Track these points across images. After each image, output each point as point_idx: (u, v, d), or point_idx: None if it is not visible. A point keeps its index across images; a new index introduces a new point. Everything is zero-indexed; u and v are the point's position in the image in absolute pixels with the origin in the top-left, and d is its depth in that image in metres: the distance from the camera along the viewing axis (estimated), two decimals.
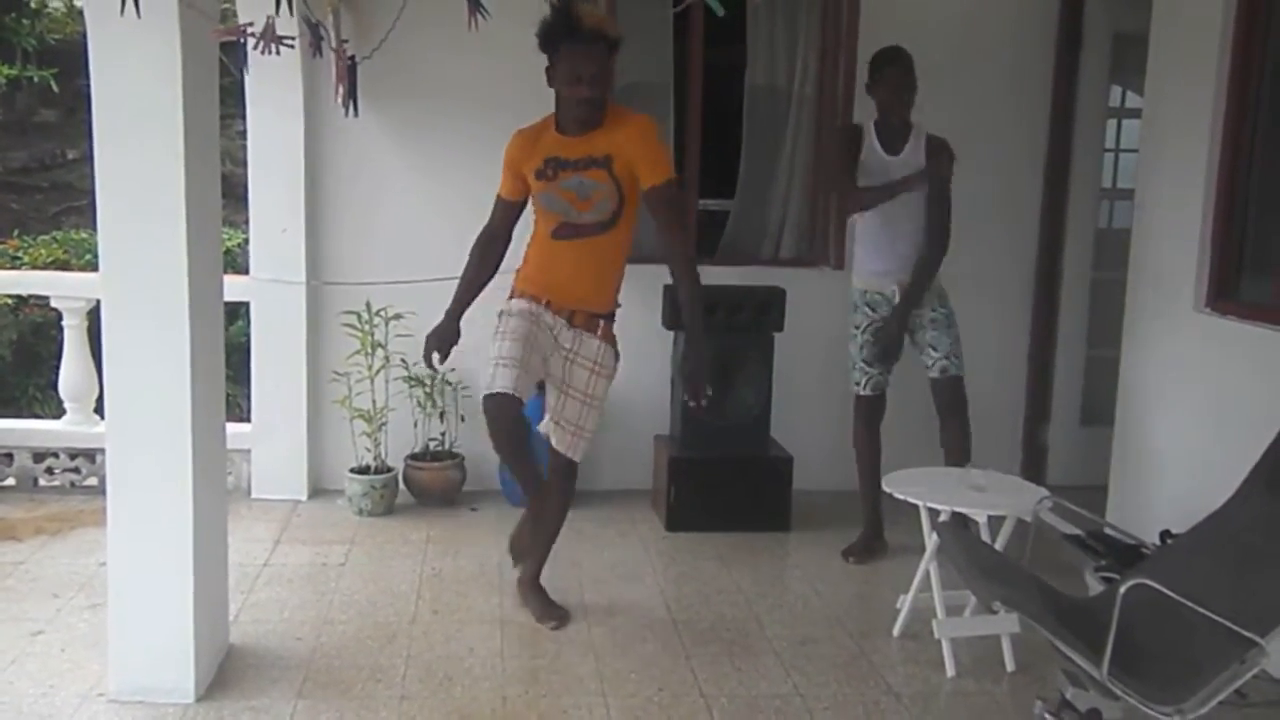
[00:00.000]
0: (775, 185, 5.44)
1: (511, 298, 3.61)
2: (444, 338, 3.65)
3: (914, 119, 4.26)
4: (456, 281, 3.72)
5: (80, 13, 2.92)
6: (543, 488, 3.65)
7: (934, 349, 4.27)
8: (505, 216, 3.66)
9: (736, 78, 5.40)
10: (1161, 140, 4.29)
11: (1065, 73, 5.23)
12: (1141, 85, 4.55)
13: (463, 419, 5.10)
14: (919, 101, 4.25)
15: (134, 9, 2.51)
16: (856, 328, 4.39)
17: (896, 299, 4.26)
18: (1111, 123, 5.49)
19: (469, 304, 3.68)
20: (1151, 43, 4.34)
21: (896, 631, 3.74)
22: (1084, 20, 5.19)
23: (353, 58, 4.43)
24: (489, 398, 3.44)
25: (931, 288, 4.26)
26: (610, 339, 3.66)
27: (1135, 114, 5.19)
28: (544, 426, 3.66)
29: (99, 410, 4.95)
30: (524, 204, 3.64)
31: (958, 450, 4.23)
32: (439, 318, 3.65)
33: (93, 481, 5.11)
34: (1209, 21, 3.93)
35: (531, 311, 3.54)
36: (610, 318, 3.67)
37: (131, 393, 3.04)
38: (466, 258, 3.70)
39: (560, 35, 3.36)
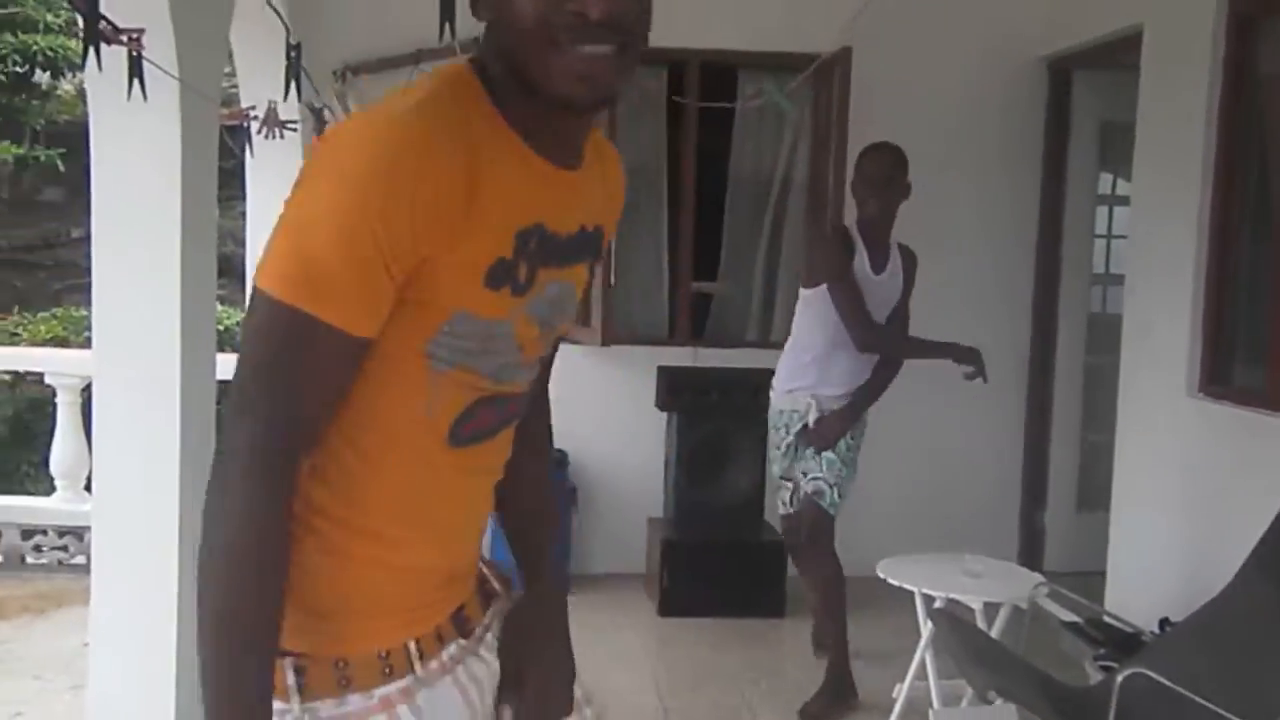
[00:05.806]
0: (760, 268, 5.49)
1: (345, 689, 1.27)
2: None
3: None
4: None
5: None
6: None
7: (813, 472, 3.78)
8: (340, 387, 1.23)
9: (722, 162, 5.45)
10: (1150, 227, 4.34)
11: (1054, 160, 5.31)
12: (1130, 172, 4.62)
13: None
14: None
15: (140, 93, 2.56)
16: (776, 448, 3.94)
17: (811, 412, 3.76)
18: (1102, 209, 5.56)
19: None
20: (1138, 131, 4.42)
21: None
22: (1071, 108, 5.28)
23: None
24: None
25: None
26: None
27: (1125, 200, 5.26)
28: None
29: (90, 488, 4.92)
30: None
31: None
32: None
33: (80, 560, 5.06)
34: (1194, 109, 4.00)
35: None
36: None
37: (120, 472, 3.02)
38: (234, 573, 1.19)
39: None
